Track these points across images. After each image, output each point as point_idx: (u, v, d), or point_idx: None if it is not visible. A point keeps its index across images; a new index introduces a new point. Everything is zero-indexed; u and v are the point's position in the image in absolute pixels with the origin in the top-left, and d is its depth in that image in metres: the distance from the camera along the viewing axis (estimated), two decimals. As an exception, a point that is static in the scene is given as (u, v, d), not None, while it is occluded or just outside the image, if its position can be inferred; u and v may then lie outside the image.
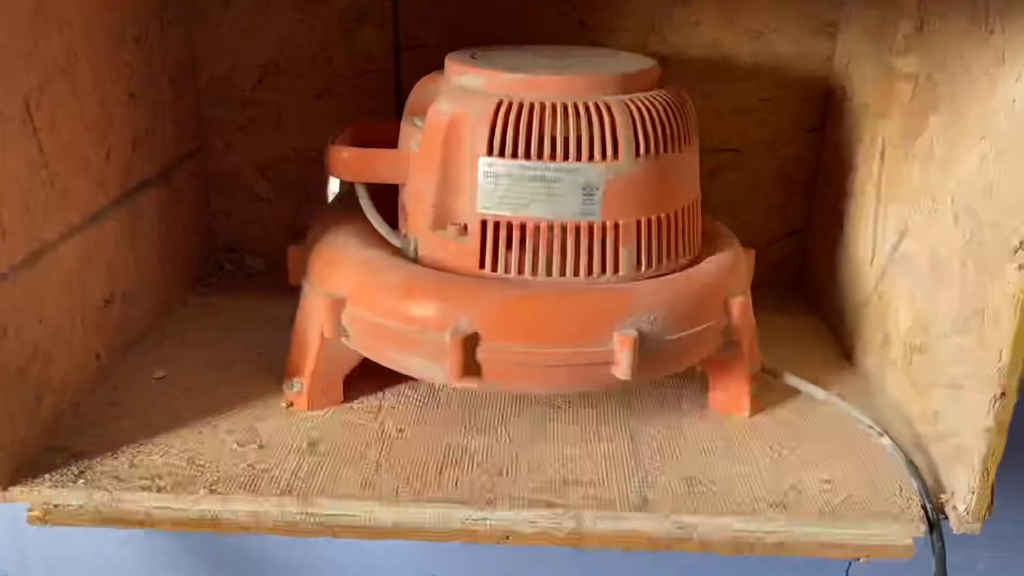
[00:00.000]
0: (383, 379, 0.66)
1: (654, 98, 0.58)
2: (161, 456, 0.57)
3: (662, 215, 0.59)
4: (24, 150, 0.54)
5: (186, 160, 0.81)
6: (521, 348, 0.55)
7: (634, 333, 0.54)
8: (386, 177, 0.62)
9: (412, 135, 0.61)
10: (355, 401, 0.65)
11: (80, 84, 0.61)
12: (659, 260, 0.59)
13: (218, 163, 0.85)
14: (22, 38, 0.54)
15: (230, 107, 0.83)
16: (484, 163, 0.56)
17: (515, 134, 0.56)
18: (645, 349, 0.55)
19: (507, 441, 0.61)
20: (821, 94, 0.81)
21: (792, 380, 0.67)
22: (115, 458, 0.57)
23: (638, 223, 0.58)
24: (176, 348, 0.72)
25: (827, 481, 0.57)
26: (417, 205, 0.60)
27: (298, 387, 0.64)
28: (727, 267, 0.61)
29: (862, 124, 0.73)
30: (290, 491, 0.54)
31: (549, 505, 0.54)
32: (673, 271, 0.60)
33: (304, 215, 0.87)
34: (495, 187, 0.56)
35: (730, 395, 0.64)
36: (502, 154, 0.56)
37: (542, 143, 0.56)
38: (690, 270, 0.60)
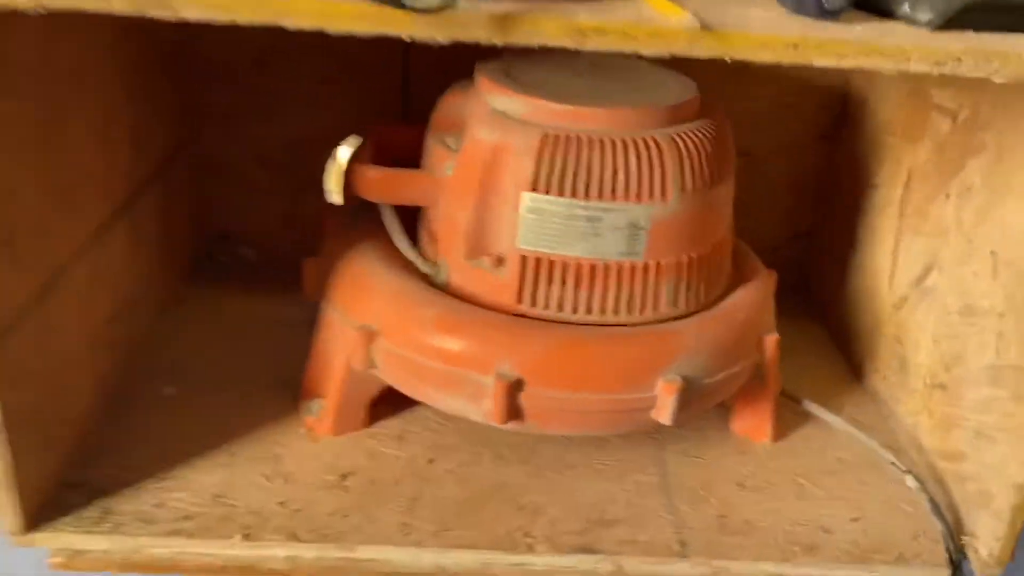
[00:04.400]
0: (404, 400, 0.65)
1: (700, 132, 0.56)
2: (185, 492, 0.55)
3: (703, 251, 0.58)
4: (34, 167, 0.50)
5: (181, 151, 0.76)
6: (566, 395, 0.54)
7: (679, 380, 0.54)
8: (415, 200, 0.59)
9: (443, 158, 0.58)
10: (376, 424, 0.63)
11: (85, 85, 0.57)
12: (696, 296, 0.58)
13: (212, 151, 0.80)
14: (33, 47, 0.49)
15: (226, 93, 0.78)
16: (527, 198, 0.54)
17: (562, 171, 0.53)
18: (686, 392, 0.55)
19: (536, 474, 0.60)
20: (838, 100, 0.80)
21: (811, 407, 0.68)
22: (137, 496, 0.55)
23: (678, 261, 0.57)
24: (180, 357, 0.69)
25: (854, 520, 0.58)
26: (449, 232, 0.58)
27: (317, 409, 0.62)
28: (759, 303, 0.61)
29: (883, 144, 0.72)
30: (327, 536, 0.53)
31: (588, 551, 0.54)
32: (709, 305, 0.59)
33: (305, 206, 0.83)
34: (538, 224, 0.55)
35: (754, 422, 0.65)
36: (547, 191, 0.54)
37: (589, 181, 0.54)
38: (724, 306, 0.60)
